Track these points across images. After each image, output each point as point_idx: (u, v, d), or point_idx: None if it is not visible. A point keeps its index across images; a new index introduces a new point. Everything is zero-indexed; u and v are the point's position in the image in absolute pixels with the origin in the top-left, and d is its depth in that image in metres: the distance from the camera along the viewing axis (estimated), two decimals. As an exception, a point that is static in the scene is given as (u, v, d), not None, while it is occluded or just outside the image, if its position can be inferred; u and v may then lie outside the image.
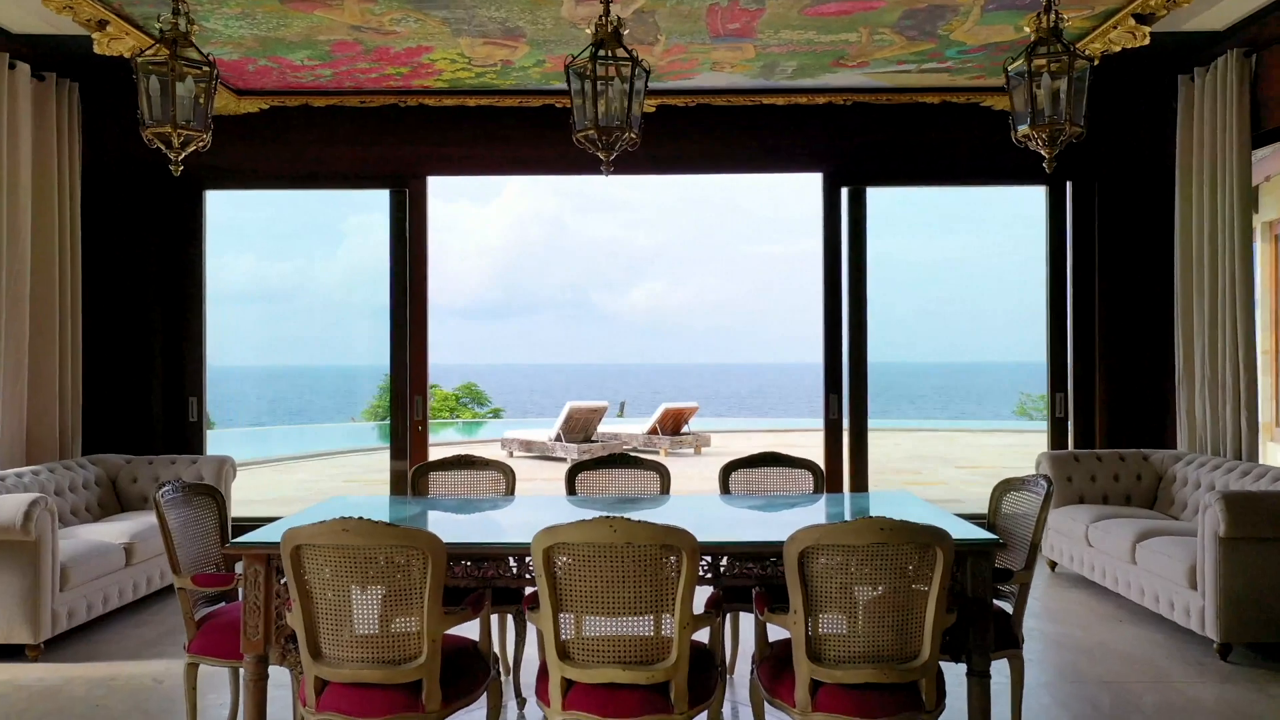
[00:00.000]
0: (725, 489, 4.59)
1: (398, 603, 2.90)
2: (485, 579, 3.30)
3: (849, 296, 7.54)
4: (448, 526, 3.84)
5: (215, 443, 23.58)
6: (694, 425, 18.02)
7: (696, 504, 4.31)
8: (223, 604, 3.84)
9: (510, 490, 4.57)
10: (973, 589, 3.18)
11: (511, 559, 3.31)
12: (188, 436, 7.45)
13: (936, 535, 2.82)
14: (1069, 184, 7.49)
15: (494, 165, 7.56)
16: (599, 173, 8.06)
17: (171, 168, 3.77)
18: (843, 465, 7.50)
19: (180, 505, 3.68)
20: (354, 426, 30.09)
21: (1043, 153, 3.68)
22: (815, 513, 4.08)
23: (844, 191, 7.52)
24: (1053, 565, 6.71)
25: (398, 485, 7.55)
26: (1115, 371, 7.36)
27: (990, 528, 3.88)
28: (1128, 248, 7.34)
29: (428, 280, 7.60)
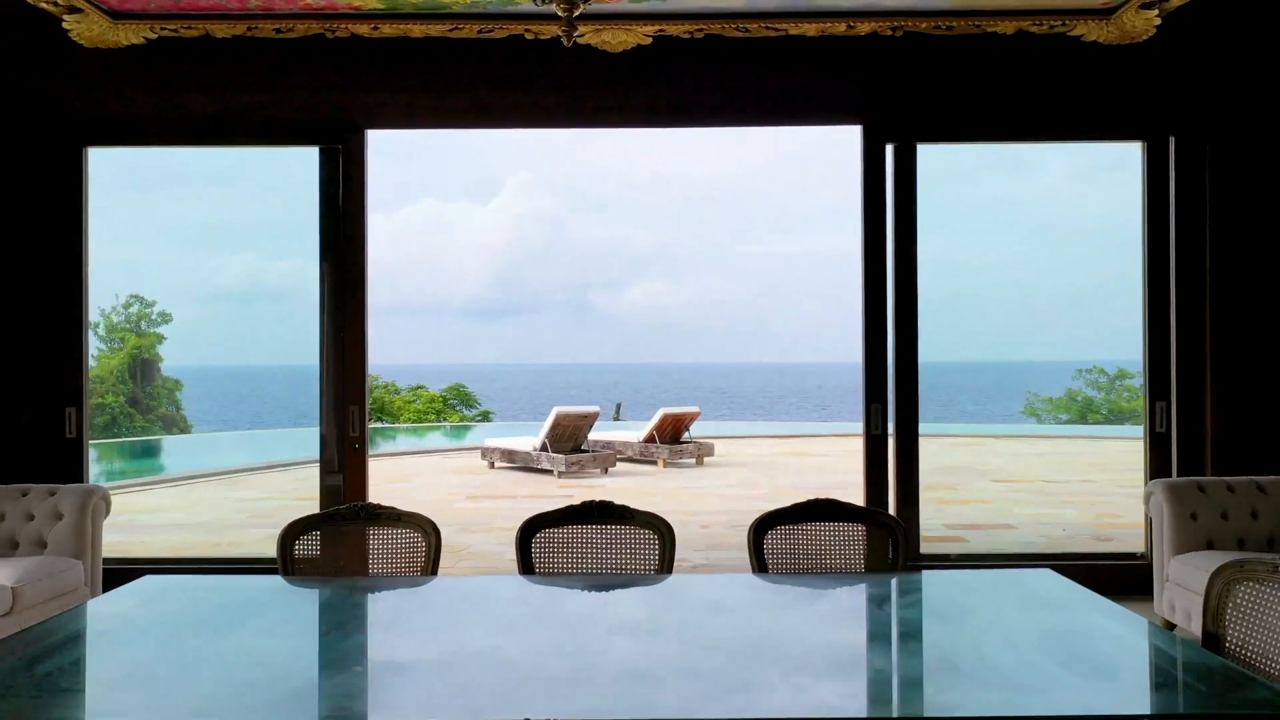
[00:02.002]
0: (759, 562, 3.01)
1: None
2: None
3: (894, 283, 6.01)
4: (255, 671, 2.27)
5: (189, 448, 22.12)
6: (696, 431, 16.44)
7: (714, 602, 2.72)
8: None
9: (432, 563, 3.00)
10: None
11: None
12: (64, 456, 5.89)
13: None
14: (1172, 140, 5.94)
15: (450, 116, 6.01)
16: (583, 124, 6.51)
17: None
18: (888, 493, 5.97)
19: None
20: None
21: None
22: (940, 633, 2.52)
23: (889, 149, 5.98)
24: (1170, 626, 5.16)
25: (330, 503, 5.97)
26: (1230, 376, 5.82)
27: (1210, 640, 2.33)
28: (1248, 220, 5.79)
29: (367, 263, 6.04)
